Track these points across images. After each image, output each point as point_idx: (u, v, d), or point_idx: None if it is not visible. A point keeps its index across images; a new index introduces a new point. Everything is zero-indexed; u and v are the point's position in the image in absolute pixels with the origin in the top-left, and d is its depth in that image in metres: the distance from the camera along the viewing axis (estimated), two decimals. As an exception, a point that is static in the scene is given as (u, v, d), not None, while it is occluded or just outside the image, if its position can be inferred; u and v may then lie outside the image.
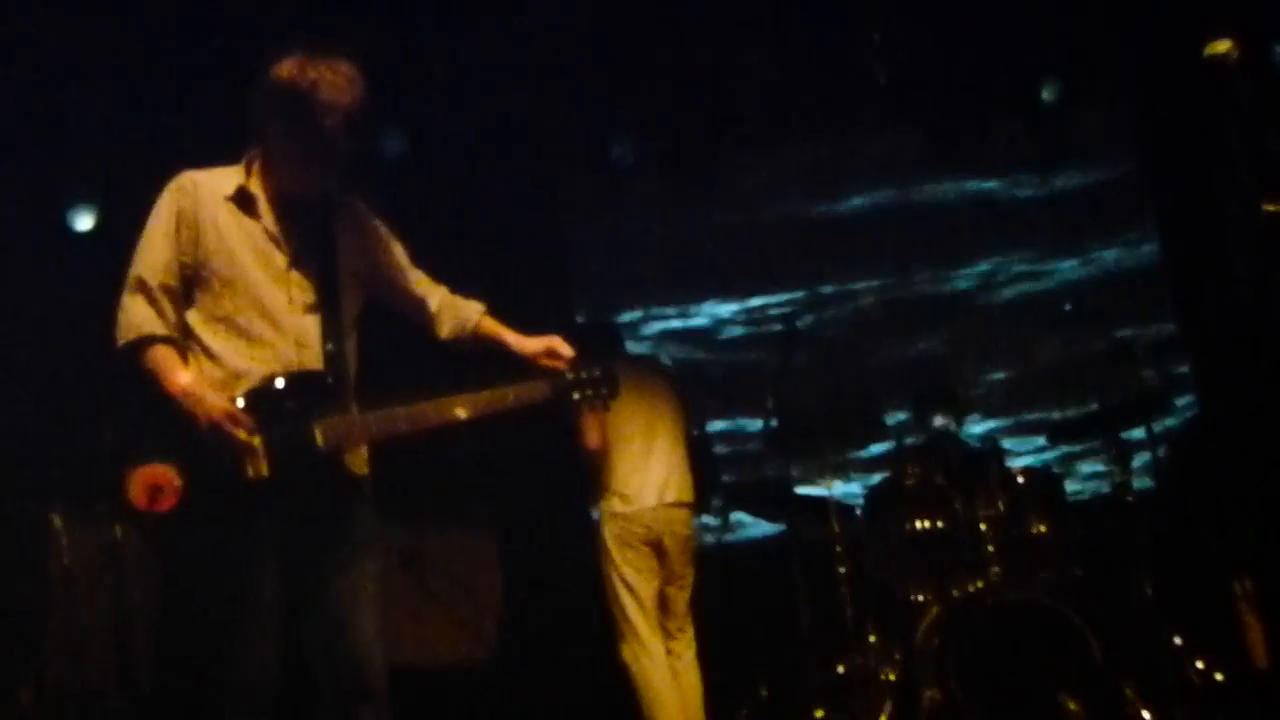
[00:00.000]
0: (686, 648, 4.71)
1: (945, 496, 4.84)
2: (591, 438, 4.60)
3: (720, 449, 6.10)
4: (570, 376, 3.02)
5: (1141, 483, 5.30)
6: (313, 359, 2.85)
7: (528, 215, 6.89)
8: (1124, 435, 4.96)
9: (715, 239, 7.05)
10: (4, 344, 5.84)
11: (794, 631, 4.95)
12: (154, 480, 2.65)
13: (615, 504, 4.66)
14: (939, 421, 5.61)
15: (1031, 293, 6.83)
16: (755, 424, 6.37)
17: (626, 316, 6.89)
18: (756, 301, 7.02)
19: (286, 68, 2.78)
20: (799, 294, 6.96)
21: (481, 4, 5.97)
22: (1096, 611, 4.37)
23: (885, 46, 6.25)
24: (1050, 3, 6.19)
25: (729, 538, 5.77)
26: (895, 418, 5.87)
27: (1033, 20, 6.30)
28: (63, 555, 4.90)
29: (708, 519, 5.33)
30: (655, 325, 7.04)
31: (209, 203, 2.87)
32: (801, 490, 5.44)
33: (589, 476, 4.74)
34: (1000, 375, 6.77)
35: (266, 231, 2.89)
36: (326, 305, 2.89)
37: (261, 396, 2.76)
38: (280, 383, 2.79)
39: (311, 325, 2.87)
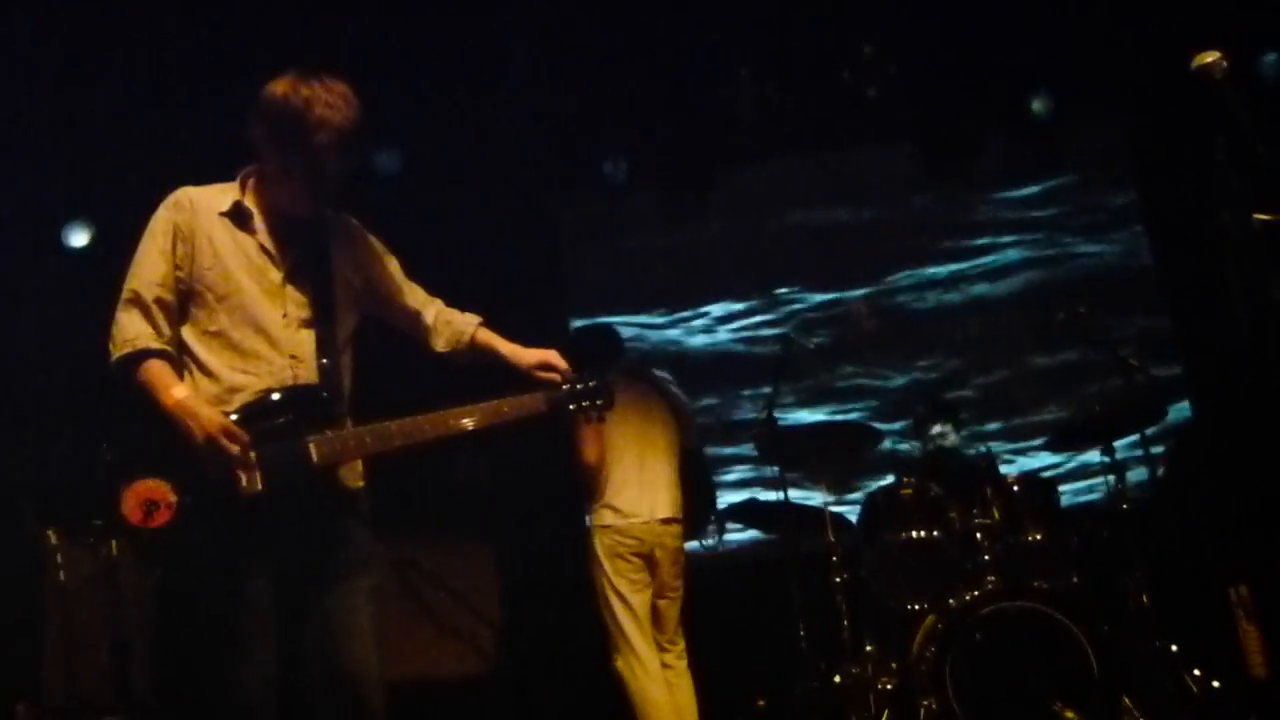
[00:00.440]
0: (679, 659, 4.72)
1: (941, 506, 4.85)
2: (589, 450, 4.61)
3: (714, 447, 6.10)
4: (565, 389, 3.03)
5: (1137, 491, 5.31)
6: (308, 374, 2.86)
7: (522, 228, 6.90)
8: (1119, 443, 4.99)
9: (709, 252, 7.08)
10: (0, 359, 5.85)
11: (790, 642, 4.94)
12: (149, 496, 2.66)
13: (607, 516, 4.66)
14: (935, 432, 5.63)
15: (1025, 299, 6.86)
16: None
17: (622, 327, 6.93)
18: (751, 316, 7.04)
19: (281, 85, 2.81)
20: (792, 306, 6.98)
21: (476, 20, 6.00)
22: (1093, 620, 4.37)
23: (877, 61, 6.28)
24: (1041, 16, 6.23)
25: (725, 548, 5.78)
26: (892, 428, 5.89)
27: (1024, 33, 6.34)
28: (58, 571, 4.90)
29: (704, 538, 5.33)
30: (651, 334, 7.06)
31: (204, 218, 2.88)
32: (797, 501, 5.44)
33: (583, 488, 4.75)
34: (995, 379, 6.80)
35: (261, 247, 2.90)
36: (321, 320, 2.90)
37: (256, 411, 2.77)
38: (275, 397, 2.80)
39: (306, 340, 2.88)
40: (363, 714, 2.78)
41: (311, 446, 2.77)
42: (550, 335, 3.34)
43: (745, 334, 7.03)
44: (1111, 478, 4.93)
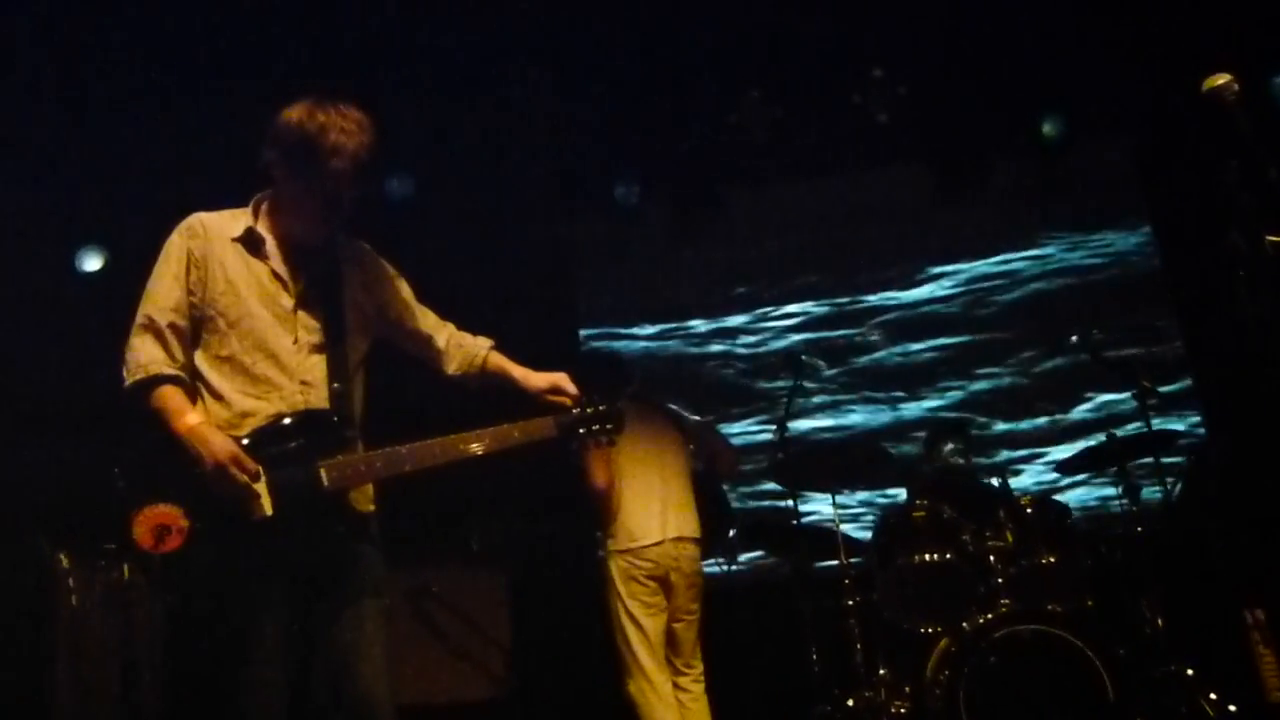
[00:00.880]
0: (695, 683, 4.69)
1: (954, 529, 4.83)
2: (598, 477, 4.60)
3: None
4: (576, 413, 3.04)
5: (1151, 512, 5.28)
6: (319, 399, 2.86)
7: (533, 251, 6.92)
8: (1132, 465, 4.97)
9: (722, 272, 7.12)
10: (12, 383, 5.87)
11: (803, 665, 4.92)
12: (160, 520, 2.66)
13: (622, 540, 4.66)
14: (947, 450, 5.61)
15: (1037, 316, 6.86)
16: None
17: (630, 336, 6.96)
18: (760, 332, 7.06)
19: (296, 111, 2.82)
20: (806, 335, 6.99)
21: (489, 44, 6.03)
22: (1107, 643, 4.34)
23: (888, 83, 6.31)
24: (1052, 39, 6.24)
25: (737, 571, 5.76)
26: (904, 450, 5.88)
27: (1034, 56, 6.36)
28: (70, 595, 4.90)
29: (716, 559, 5.32)
30: (669, 344, 7.09)
31: (217, 244, 2.89)
32: (810, 523, 5.43)
33: (595, 515, 4.74)
34: (1005, 393, 6.80)
35: (274, 273, 2.91)
36: (333, 346, 2.91)
37: (267, 436, 2.78)
38: (287, 422, 2.80)
39: (318, 365, 2.88)
40: (373, 739, 2.77)
41: (322, 471, 2.78)
42: (561, 359, 3.33)
43: (755, 351, 7.05)
44: (1125, 500, 4.91)
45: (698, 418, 5.52)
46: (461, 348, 3.14)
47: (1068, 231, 6.95)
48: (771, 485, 6.57)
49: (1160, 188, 6.77)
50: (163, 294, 2.86)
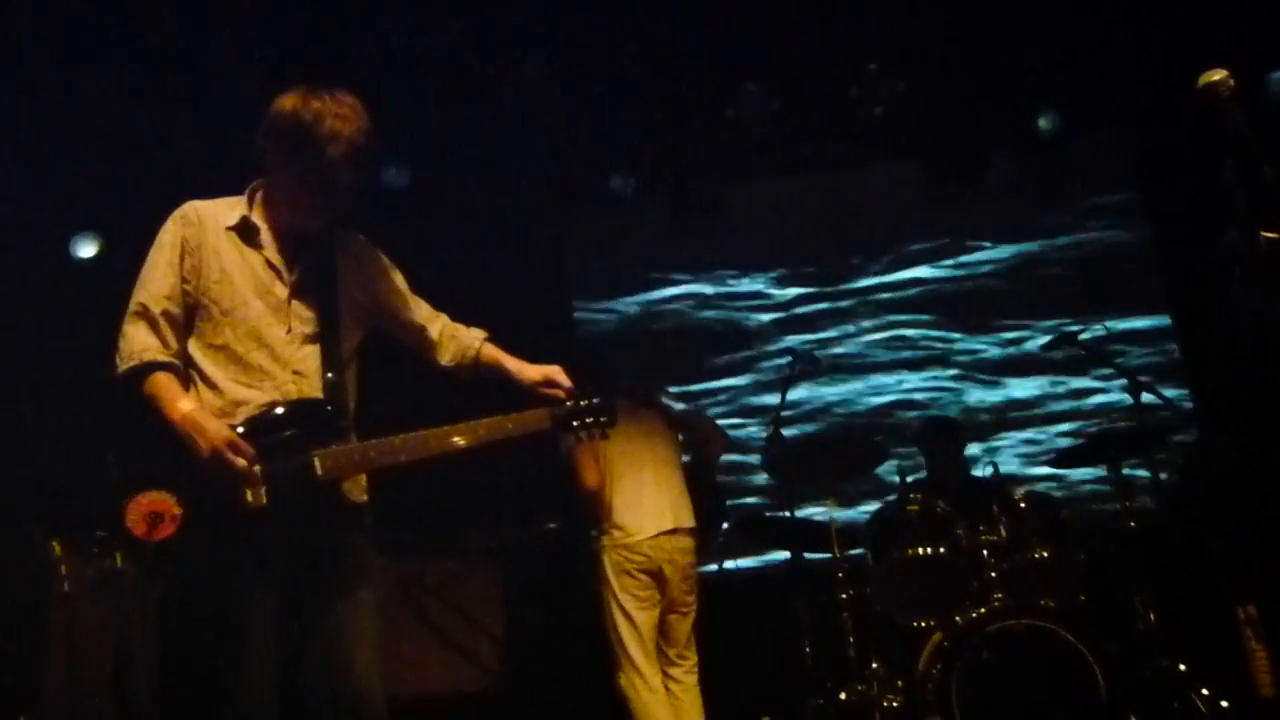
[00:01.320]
0: (687, 674, 4.69)
1: (948, 523, 4.84)
2: (587, 475, 4.60)
3: (723, 478, 6.12)
4: (569, 405, 3.03)
5: (1144, 508, 5.29)
6: (311, 389, 2.85)
7: (529, 243, 6.92)
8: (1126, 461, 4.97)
9: (718, 266, 7.12)
10: (6, 370, 5.86)
11: (796, 659, 4.92)
12: (153, 508, 2.65)
13: (614, 534, 4.66)
14: (941, 448, 5.62)
15: (1031, 312, 6.87)
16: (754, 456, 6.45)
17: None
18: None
19: (290, 99, 2.81)
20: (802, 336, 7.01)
21: (486, 35, 6.02)
22: (1100, 638, 4.35)
23: (884, 78, 6.30)
24: (1048, 34, 6.24)
25: (730, 565, 5.76)
26: (899, 445, 5.88)
27: (1031, 51, 6.36)
28: (62, 582, 4.89)
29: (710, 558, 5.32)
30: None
31: (212, 233, 2.88)
32: (803, 517, 5.43)
33: (587, 513, 4.74)
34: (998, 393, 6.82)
35: (268, 262, 2.90)
36: (326, 336, 2.90)
37: (261, 425, 2.77)
38: (280, 411, 2.80)
39: (311, 355, 2.88)
40: (364, 728, 2.77)
41: (315, 460, 2.77)
42: (555, 351, 3.33)
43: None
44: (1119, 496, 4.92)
45: (684, 405, 5.52)
46: (455, 339, 3.13)
47: (1064, 227, 6.96)
48: (763, 480, 6.59)
49: (1157, 184, 6.78)
50: (156, 281, 2.85)
